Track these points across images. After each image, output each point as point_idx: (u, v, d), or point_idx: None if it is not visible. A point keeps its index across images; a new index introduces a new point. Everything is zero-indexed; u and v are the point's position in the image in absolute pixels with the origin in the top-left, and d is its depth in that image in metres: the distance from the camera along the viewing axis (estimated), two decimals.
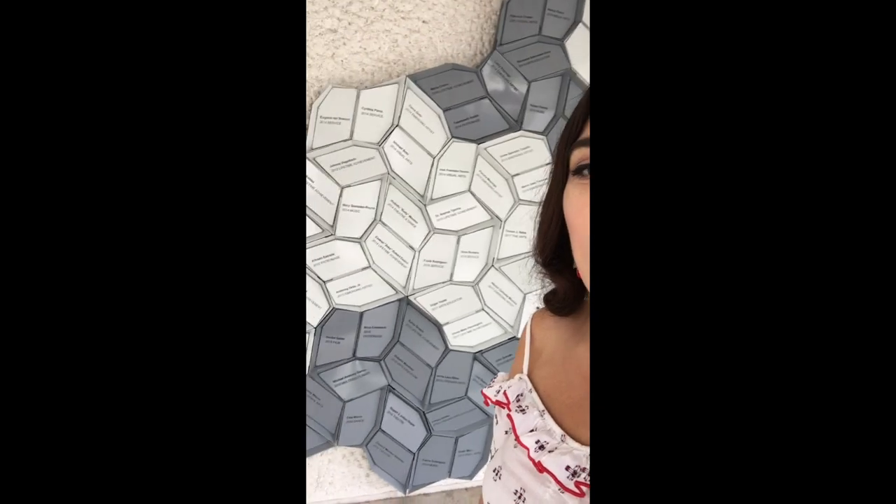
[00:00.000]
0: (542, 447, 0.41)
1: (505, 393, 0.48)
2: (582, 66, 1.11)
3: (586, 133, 0.37)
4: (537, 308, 0.52)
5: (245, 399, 0.24)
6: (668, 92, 0.23)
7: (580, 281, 0.41)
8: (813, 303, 0.22)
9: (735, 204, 0.22)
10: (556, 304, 0.48)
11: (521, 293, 1.15)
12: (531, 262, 0.47)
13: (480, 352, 1.15)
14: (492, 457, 0.51)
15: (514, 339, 1.16)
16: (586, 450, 0.40)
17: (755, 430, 0.22)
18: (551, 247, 0.43)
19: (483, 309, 1.14)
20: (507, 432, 0.47)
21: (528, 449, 0.41)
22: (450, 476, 1.18)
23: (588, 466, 0.38)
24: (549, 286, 0.49)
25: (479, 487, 0.98)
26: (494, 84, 1.09)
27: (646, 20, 0.24)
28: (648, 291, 0.23)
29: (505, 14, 1.08)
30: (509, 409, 0.46)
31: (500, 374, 0.55)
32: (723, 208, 0.22)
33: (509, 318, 1.16)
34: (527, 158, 1.11)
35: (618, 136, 0.24)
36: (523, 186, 1.11)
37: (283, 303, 0.24)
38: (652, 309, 0.23)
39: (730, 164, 0.23)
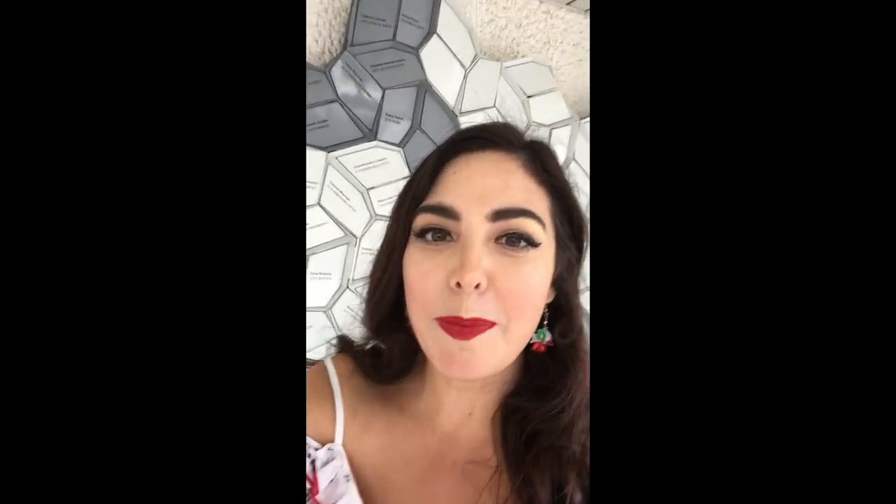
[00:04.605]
0: None
1: (315, 471, 0.38)
2: (437, 78, 1.08)
3: (432, 199, 0.37)
4: (333, 349, 0.46)
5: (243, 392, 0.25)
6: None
7: (414, 341, 0.39)
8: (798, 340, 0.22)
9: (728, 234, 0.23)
10: (378, 367, 0.42)
11: None
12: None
13: None
14: None
15: None
16: None
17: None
18: (385, 309, 0.41)
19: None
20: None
21: None
22: None
23: None
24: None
25: None
26: (345, 87, 1.00)
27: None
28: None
29: (356, 12, 0.99)
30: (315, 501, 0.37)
31: None
32: (717, 239, 0.23)
33: None
34: (383, 171, 1.03)
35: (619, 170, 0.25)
36: (380, 201, 1.03)
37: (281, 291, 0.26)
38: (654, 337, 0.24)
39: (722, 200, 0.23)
